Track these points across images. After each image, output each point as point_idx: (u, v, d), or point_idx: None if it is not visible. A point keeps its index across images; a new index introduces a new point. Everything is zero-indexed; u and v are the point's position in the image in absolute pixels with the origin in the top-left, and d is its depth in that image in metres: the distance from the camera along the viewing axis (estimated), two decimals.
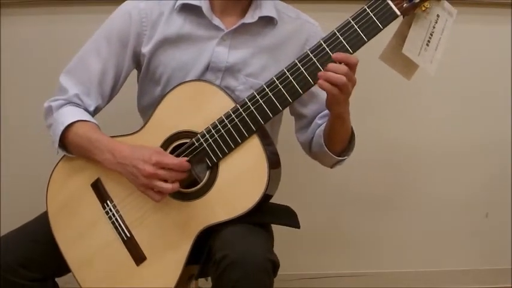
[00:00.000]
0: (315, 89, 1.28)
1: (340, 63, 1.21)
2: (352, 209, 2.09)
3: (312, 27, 1.44)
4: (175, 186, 1.24)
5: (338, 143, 1.39)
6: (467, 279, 2.13)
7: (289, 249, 2.06)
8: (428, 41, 1.26)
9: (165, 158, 1.24)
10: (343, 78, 1.20)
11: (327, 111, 1.40)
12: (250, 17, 1.37)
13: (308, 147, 1.49)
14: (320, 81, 1.22)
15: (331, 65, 1.21)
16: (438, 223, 2.11)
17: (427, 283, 2.12)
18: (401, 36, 1.26)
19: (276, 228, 1.36)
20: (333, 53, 1.21)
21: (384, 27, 1.21)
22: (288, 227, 1.34)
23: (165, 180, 1.23)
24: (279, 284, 2.04)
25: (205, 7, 1.36)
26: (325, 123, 1.40)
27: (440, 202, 2.10)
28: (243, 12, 1.38)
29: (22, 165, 1.95)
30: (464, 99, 2.03)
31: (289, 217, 1.36)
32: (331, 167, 1.47)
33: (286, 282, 2.09)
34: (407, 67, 1.29)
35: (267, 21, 1.39)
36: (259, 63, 1.38)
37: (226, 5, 1.38)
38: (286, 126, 1.53)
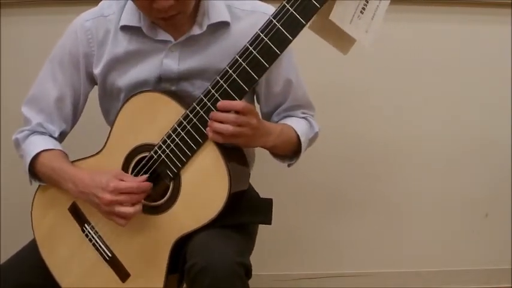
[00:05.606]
0: (271, 88, 1.29)
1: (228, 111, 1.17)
2: (351, 208, 2.09)
3: None
4: (137, 208, 1.23)
5: (281, 154, 1.39)
6: (467, 279, 2.13)
7: (288, 249, 2.07)
8: (363, 8, 1.12)
9: (121, 184, 1.22)
10: (230, 128, 1.16)
11: (281, 108, 1.40)
12: (198, 28, 1.29)
13: None
14: (210, 134, 1.18)
15: (214, 114, 1.17)
16: (438, 223, 2.11)
17: (427, 283, 2.12)
18: (331, 2, 1.12)
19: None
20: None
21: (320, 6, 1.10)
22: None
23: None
24: (277, 284, 2.05)
25: (145, 26, 1.30)
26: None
27: (441, 202, 2.10)
28: (191, 20, 1.29)
29: (22, 164, 1.94)
30: (464, 99, 2.03)
31: (259, 213, 1.31)
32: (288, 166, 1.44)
33: (285, 282, 2.09)
34: (342, 39, 1.15)
35: (219, 25, 1.31)
36: (214, 67, 1.29)
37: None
38: None
